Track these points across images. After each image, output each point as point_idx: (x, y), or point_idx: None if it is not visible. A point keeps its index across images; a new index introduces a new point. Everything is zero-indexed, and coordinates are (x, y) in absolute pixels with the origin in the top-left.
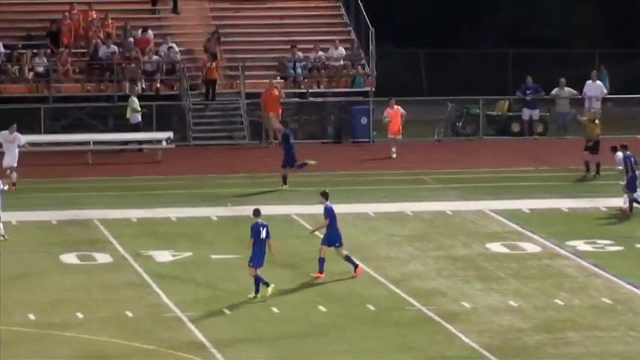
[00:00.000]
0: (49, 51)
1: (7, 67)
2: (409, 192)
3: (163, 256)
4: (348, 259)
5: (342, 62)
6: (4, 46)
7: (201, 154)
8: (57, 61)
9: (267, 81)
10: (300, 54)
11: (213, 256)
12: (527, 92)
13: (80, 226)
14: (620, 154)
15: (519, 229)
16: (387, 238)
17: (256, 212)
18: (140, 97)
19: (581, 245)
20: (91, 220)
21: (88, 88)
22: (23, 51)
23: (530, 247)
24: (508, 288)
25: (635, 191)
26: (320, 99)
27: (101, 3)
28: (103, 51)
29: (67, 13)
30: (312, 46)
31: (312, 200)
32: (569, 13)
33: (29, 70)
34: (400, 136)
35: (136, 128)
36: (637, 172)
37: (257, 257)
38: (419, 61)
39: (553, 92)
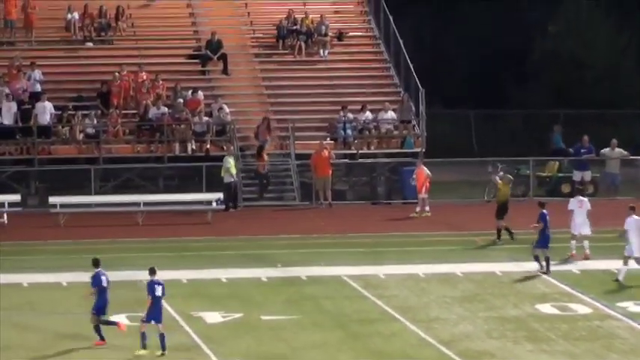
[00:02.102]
0: (99, 112)
1: (58, 128)
2: (459, 253)
3: (214, 317)
4: (105, 323)
5: (392, 125)
6: (55, 107)
7: (252, 215)
8: (107, 121)
9: (318, 142)
10: (350, 115)
11: (264, 317)
12: (582, 151)
13: (130, 287)
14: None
15: (569, 290)
16: (438, 300)
17: (152, 271)
18: (190, 159)
19: (632, 306)
20: (141, 281)
21: (138, 149)
22: (73, 112)
23: (581, 309)
24: (558, 349)
25: (548, 247)
26: (370, 160)
27: (151, 64)
28: (153, 112)
29: (117, 74)
30: (361, 107)
31: (362, 261)
32: (617, 73)
33: (80, 132)
34: (424, 195)
35: (227, 187)
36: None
37: (150, 313)
38: (469, 122)
39: (603, 151)
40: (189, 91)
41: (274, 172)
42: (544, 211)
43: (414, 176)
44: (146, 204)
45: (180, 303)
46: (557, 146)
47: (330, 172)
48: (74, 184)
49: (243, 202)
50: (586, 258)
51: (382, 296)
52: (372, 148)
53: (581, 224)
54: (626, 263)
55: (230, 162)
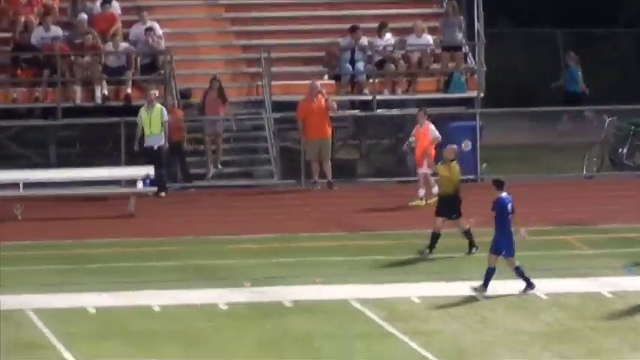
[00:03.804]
0: None
1: None
2: (542, 261)
3: None
4: None
5: (429, 54)
6: None
7: (201, 201)
8: None
9: (308, 83)
10: (365, 39)
11: None
12: None
13: (5, 321)
14: None
15: None
16: (508, 338)
17: None
18: (100, 111)
19: None
20: (21, 312)
21: (15, 96)
22: None
23: None
24: None
25: (512, 254)
26: (395, 111)
27: None
28: (38, 35)
29: None
30: (378, 25)
31: (383, 277)
32: None
33: None
34: (426, 171)
35: (146, 157)
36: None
37: None
38: (555, 48)
39: None
40: (97, 2)
41: (239, 131)
42: (503, 195)
43: (412, 138)
44: (28, 185)
45: (86, 346)
46: (569, 87)
47: (330, 131)
48: None
49: (192, 182)
50: None
51: (417, 333)
52: (399, 91)
53: None
54: None
55: (142, 114)
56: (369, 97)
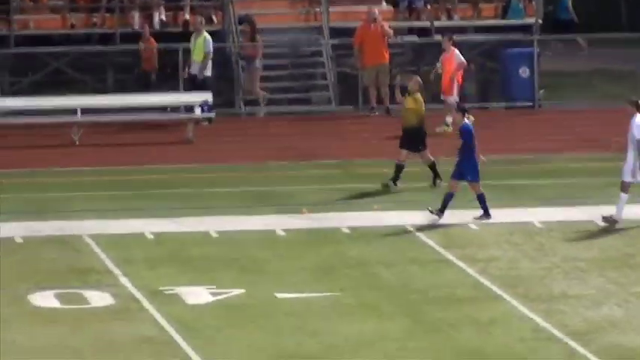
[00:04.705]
0: None
1: None
2: (598, 188)
3: (198, 294)
4: None
5: None
6: None
7: (258, 127)
8: None
9: (365, 9)
10: None
11: (280, 295)
12: None
13: (62, 247)
14: None
15: None
16: (564, 264)
17: None
18: (158, 37)
19: None
20: (79, 237)
21: (73, 22)
22: None
23: None
24: None
25: (477, 179)
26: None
27: None
28: None
29: None
30: None
31: (438, 202)
32: None
33: None
34: (451, 97)
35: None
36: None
37: None
38: None
39: None
40: None
41: (296, 58)
42: (466, 121)
43: (439, 64)
44: (86, 111)
45: (144, 272)
46: (561, 15)
47: (387, 57)
48: None
49: (245, 108)
50: None
51: (475, 260)
52: (456, 17)
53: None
54: None
55: (192, 41)
56: (427, 24)
